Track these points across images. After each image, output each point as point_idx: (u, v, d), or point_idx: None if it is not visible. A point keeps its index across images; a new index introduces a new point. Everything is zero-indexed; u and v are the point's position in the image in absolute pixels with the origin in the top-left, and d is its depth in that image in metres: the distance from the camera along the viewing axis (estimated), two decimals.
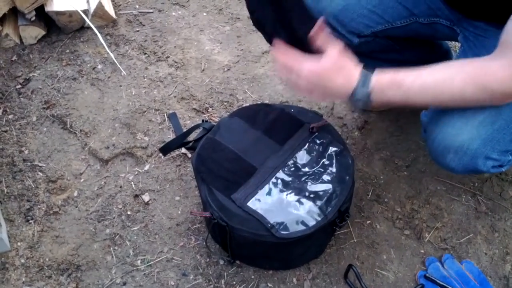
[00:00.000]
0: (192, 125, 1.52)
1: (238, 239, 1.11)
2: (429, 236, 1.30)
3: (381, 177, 1.42)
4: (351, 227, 1.31)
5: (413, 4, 1.18)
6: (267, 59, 1.72)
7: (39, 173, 1.44)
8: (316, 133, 1.19)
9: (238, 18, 1.86)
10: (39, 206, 1.37)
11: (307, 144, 1.17)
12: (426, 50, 1.41)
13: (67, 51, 1.76)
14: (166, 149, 1.36)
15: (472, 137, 0.98)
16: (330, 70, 0.95)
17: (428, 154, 1.09)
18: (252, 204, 1.08)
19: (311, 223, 1.06)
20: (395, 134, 1.51)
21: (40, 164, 1.46)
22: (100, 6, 1.77)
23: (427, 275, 1.19)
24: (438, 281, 1.17)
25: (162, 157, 1.46)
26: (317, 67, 0.95)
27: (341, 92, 0.97)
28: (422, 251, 1.28)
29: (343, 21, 1.19)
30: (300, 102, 1.58)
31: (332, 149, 1.17)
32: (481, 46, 1.09)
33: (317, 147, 1.17)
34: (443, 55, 1.48)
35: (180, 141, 1.35)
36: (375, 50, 1.30)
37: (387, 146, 1.49)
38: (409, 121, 1.52)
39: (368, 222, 1.33)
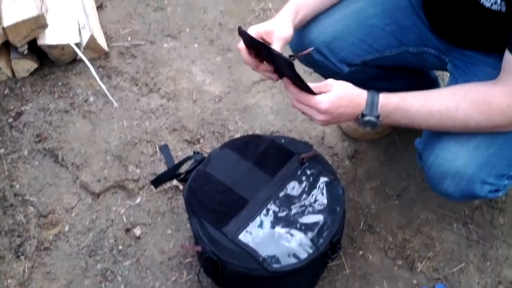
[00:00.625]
0: (184, 156, 1.53)
1: (230, 273, 1.11)
2: (421, 266, 1.30)
3: (373, 206, 1.43)
4: (343, 258, 1.31)
5: (402, 34, 1.21)
6: (258, 90, 1.74)
7: (30, 207, 1.43)
8: (307, 164, 1.20)
9: (229, 49, 1.88)
10: (30, 242, 1.36)
11: (298, 174, 1.18)
12: (414, 79, 1.43)
13: (59, 83, 1.77)
14: (157, 181, 1.37)
15: (468, 162, 0.99)
16: (340, 102, 0.98)
17: (425, 181, 1.10)
18: (244, 237, 1.08)
19: (303, 255, 1.06)
20: (386, 163, 1.52)
21: (31, 199, 1.45)
22: (92, 39, 1.78)
23: None
24: None
25: (154, 189, 1.46)
26: (328, 102, 0.96)
27: (352, 118, 1.02)
28: (415, 281, 1.27)
29: (334, 50, 1.21)
30: (290, 132, 1.60)
31: (322, 179, 1.17)
32: (471, 73, 1.11)
33: (307, 177, 1.18)
34: (431, 84, 1.51)
35: (171, 173, 1.36)
36: (364, 79, 1.31)
37: (378, 175, 1.50)
38: (399, 150, 1.54)
39: (360, 252, 1.33)
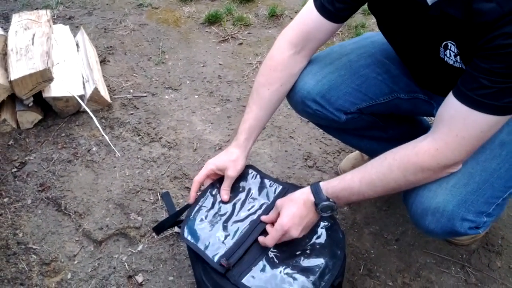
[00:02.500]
0: (185, 203, 1.56)
1: None
2: None
3: (372, 251, 1.45)
4: None
5: (393, 82, 1.29)
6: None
7: (33, 255, 1.44)
8: None
9: (228, 99, 1.95)
10: None
11: None
12: (408, 127, 1.49)
13: (63, 134, 1.82)
14: (159, 228, 1.39)
15: (447, 199, 1.03)
16: (293, 210, 1.09)
17: (410, 218, 1.14)
18: (247, 281, 1.09)
19: None
20: (383, 209, 1.56)
21: (34, 247, 1.46)
22: (96, 92, 1.85)
23: None
24: None
25: (156, 236, 1.48)
26: (286, 219, 1.08)
27: (314, 212, 1.10)
28: None
29: (330, 99, 1.27)
30: (289, 178, 1.64)
31: (322, 224, 1.20)
32: None
33: None
34: (424, 131, 1.56)
35: (173, 220, 1.38)
36: (361, 127, 1.37)
37: (376, 220, 1.53)
38: (396, 195, 1.57)
39: None
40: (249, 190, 1.28)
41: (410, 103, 1.32)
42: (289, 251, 1.15)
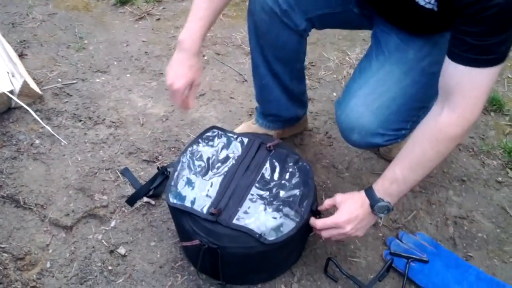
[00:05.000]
0: (147, 175, 1.61)
1: (229, 258, 1.20)
2: (382, 221, 1.49)
3: (328, 181, 1.60)
4: None
5: None
6: (200, 104, 1.86)
7: (3, 254, 1.41)
8: (274, 150, 1.34)
9: (161, 73, 1.99)
10: (13, 286, 1.34)
11: (269, 160, 1.32)
12: (303, 91, 1.63)
13: None
14: (133, 200, 1.44)
15: (371, 120, 1.23)
16: (351, 207, 1.17)
17: (339, 132, 1.33)
18: (237, 221, 1.19)
19: (292, 225, 1.19)
20: (328, 145, 1.72)
21: (2, 246, 1.43)
22: (25, 85, 1.80)
23: (391, 251, 1.37)
24: (402, 254, 1.35)
25: (126, 210, 1.51)
26: (345, 213, 1.17)
27: (368, 214, 1.18)
28: (380, 234, 1.46)
29: (300, 1, 1.29)
30: None
31: (290, 160, 1.32)
32: (384, 43, 1.30)
33: (277, 161, 1.32)
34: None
35: (146, 189, 1.43)
36: (289, 52, 1.41)
37: (324, 155, 1.69)
38: (336, 133, 1.74)
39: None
40: (219, 146, 1.36)
41: (360, 18, 1.38)
42: (267, 188, 1.26)
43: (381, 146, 1.40)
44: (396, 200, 1.17)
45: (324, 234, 1.20)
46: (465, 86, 1.00)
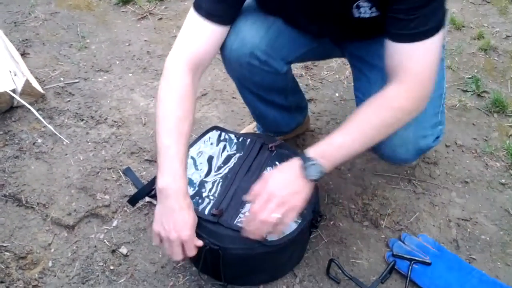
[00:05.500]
0: (149, 175, 1.60)
1: (231, 260, 1.20)
2: (385, 223, 1.48)
3: (330, 183, 1.60)
4: (319, 230, 1.45)
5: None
6: (202, 104, 1.86)
7: (5, 253, 1.41)
8: (275, 151, 1.34)
9: None
10: (15, 285, 1.34)
11: (271, 161, 1.31)
12: (299, 95, 1.60)
13: (1, 132, 1.75)
14: (134, 199, 1.43)
15: (405, 129, 1.14)
16: (275, 173, 1.07)
17: (383, 160, 1.30)
18: (239, 222, 1.18)
19: (294, 226, 1.19)
20: None
21: (4, 245, 1.43)
22: (27, 84, 1.80)
23: (394, 253, 1.36)
24: (404, 256, 1.35)
25: (129, 210, 1.51)
26: (268, 180, 1.05)
27: (302, 183, 1.04)
28: (383, 236, 1.45)
29: (277, 48, 1.28)
30: None
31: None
32: (365, 57, 1.29)
33: (279, 162, 1.31)
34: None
35: (148, 188, 1.42)
36: (277, 88, 1.41)
37: None
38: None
39: (331, 222, 1.48)
40: (220, 147, 1.36)
41: (333, 46, 1.39)
42: None
43: (431, 149, 1.31)
44: (330, 166, 1.05)
45: (261, 213, 1.03)
46: (408, 63, 1.02)
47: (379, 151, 1.25)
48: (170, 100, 1.12)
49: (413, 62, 1.02)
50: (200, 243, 1.13)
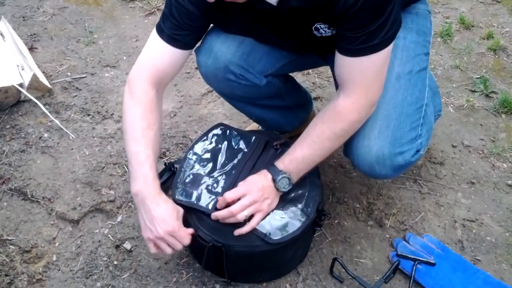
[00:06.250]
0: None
1: (234, 257, 1.20)
2: (389, 222, 1.48)
3: (336, 181, 1.59)
4: (323, 229, 1.45)
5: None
6: (208, 100, 1.86)
7: (10, 246, 1.42)
8: (280, 149, 1.33)
9: None
10: (20, 278, 1.35)
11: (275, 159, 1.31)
12: (298, 94, 1.59)
13: (8, 126, 1.76)
14: None
15: (380, 145, 1.17)
16: (251, 180, 1.19)
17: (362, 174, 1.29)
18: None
19: (297, 224, 1.19)
20: None
21: (9, 238, 1.44)
22: (35, 78, 1.80)
23: (398, 253, 1.36)
24: (409, 256, 1.34)
25: (133, 206, 1.51)
26: (244, 183, 1.19)
27: (272, 187, 1.18)
28: (387, 235, 1.45)
29: (252, 62, 1.30)
30: None
31: None
32: None
33: None
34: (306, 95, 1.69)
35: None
36: (268, 95, 1.43)
37: (332, 155, 1.66)
38: None
39: (336, 221, 1.48)
40: (226, 144, 1.36)
41: (311, 58, 1.41)
42: None
43: (412, 164, 1.29)
44: (296, 178, 1.20)
45: (233, 206, 1.15)
46: (355, 75, 1.08)
47: (358, 167, 1.25)
48: (135, 112, 1.18)
49: (359, 75, 1.08)
50: (190, 230, 1.17)
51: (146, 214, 1.13)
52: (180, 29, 1.16)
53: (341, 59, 1.08)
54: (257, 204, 1.16)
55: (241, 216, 1.14)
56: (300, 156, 1.17)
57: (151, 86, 1.20)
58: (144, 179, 1.12)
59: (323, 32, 1.12)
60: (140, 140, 1.15)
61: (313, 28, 1.12)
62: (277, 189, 1.19)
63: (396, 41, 1.05)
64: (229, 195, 1.16)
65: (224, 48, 1.27)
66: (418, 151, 1.23)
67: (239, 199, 1.16)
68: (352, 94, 1.10)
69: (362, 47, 1.02)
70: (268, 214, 1.19)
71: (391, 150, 1.17)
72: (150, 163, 1.13)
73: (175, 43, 1.18)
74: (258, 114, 1.53)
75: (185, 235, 1.15)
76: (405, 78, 1.21)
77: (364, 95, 1.10)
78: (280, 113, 1.54)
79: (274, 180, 1.17)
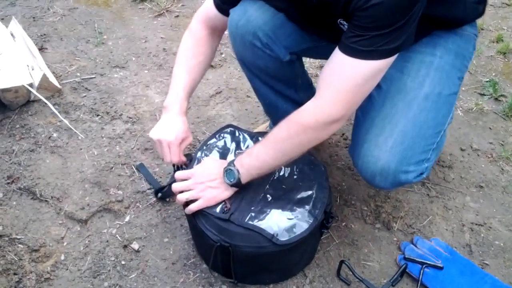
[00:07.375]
0: (162, 171, 1.62)
1: (241, 257, 1.20)
2: (397, 225, 1.47)
3: (343, 184, 1.59)
4: (330, 231, 1.45)
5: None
6: (216, 101, 1.86)
7: (19, 245, 1.43)
8: None
9: None
10: (28, 277, 1.36)
11: None
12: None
13: (17, 126, 1.78)
14: (162, 194, 1.53)
15: (389, 160, 1.16)
16: (203, 164, 1.27)
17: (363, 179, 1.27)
18: (250, 220, 1.18)
19: (305, 226, 1.18)
20: (344, 146, 1.70)
21: (18, 237, 1.45)
22: (44, 78, 1.82)
23: (406, 256, 1.35)
24: (416, 259, 1.34)
25: (140, 206, 1.52)
26: (199, 170, 1.25)
27: (221, 182, 1.21)
28: (395, 238, 1.44)
29: (280, 36, 1.29)
30: None
31: (305, 160, 1.31)
32: None
33: (292, 161, 1.31)
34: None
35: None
36: (284, 77, 1.43)
37: (340, 157, 1.67)
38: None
39: (343, 224, 1.48)
40: (234, 145, 1.36)
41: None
42: (281, 188, 1.26)
43: (410, 183, 1.30)
44: (248, 176, 1.19)
45: (176, 185, 1.23)
46: (334, 76, 1.05)
47: (359, 171, 1.24)
48: (186, 43, 1.35)
49: (338, 79, 1.04)
50: (184, 159, 1.31)
51: (162, 121, 1.29)
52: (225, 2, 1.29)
53: (334, 55, 1.05)
54: (198, 189, 1.21)
55: (180, 198, 1.21)
56: (255, 152, 1.17)
57: (204, 27, 1.34)
58: (175, 97, 1.29)
59: (345, 28, 1.09)
60: (182, 66, 1.32)
61: (338, 22, 1.09)
62: (224, 180, 1.20)
63: (431, 59, 1.04)
64: (179, 174, 1.25)
65: (258, 14, 1.28)
66: (421, 173, 1.23)
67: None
68: (320, 97, 1.07)
69: (355, 47, 0.99)
70: (217, 204, 1.22)
71: (397, 167, 1.16)
72: (184, 85, 1.30)
73: (223, 11, 1.31)
74: (272, 100, 1.51)
75: (177, 154, 1.28)
76: (433, 100, 1.19)
77: (331, 102, 1.06)
78: (292, 107, 1.50)
79: (224, 171, 1.20)
